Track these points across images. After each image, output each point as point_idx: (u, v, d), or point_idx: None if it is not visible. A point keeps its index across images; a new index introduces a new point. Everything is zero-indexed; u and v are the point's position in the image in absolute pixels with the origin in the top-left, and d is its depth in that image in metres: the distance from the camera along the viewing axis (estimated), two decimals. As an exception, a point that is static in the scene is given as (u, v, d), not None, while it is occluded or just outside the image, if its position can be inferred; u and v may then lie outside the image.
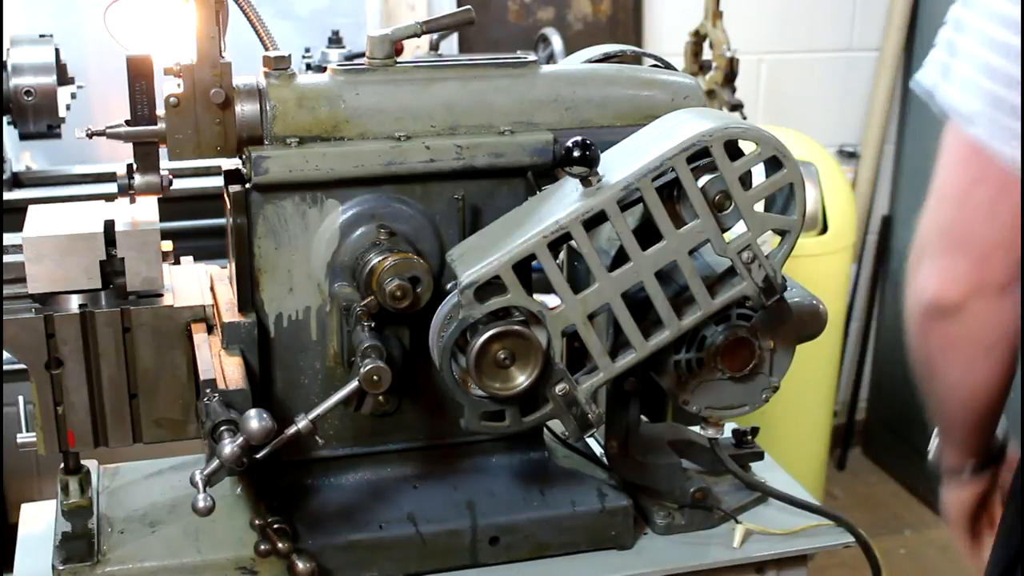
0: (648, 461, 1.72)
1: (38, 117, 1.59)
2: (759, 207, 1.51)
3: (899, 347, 2.89)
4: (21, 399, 1.72)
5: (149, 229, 1.57)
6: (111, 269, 1.56)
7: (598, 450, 1.81)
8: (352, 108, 1.57)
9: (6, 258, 1.56)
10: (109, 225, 1.56)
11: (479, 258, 1.47)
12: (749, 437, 1.84)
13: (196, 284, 1.67)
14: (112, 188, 1.58)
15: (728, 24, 3.44)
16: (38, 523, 1.73)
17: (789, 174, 1.49)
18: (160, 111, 1.54)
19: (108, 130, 1.54)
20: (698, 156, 1.47)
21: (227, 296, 1.64)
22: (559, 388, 1.50)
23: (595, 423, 1.52)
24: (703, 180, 1.48)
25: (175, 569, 1.56)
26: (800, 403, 3.52)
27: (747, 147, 1.50)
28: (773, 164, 1.49)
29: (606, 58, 1.80)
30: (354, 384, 1.45)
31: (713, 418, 1.70)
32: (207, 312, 1.60)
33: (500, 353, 1.45)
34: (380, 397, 1.50)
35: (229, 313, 1.59)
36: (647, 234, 1.49)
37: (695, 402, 1.61)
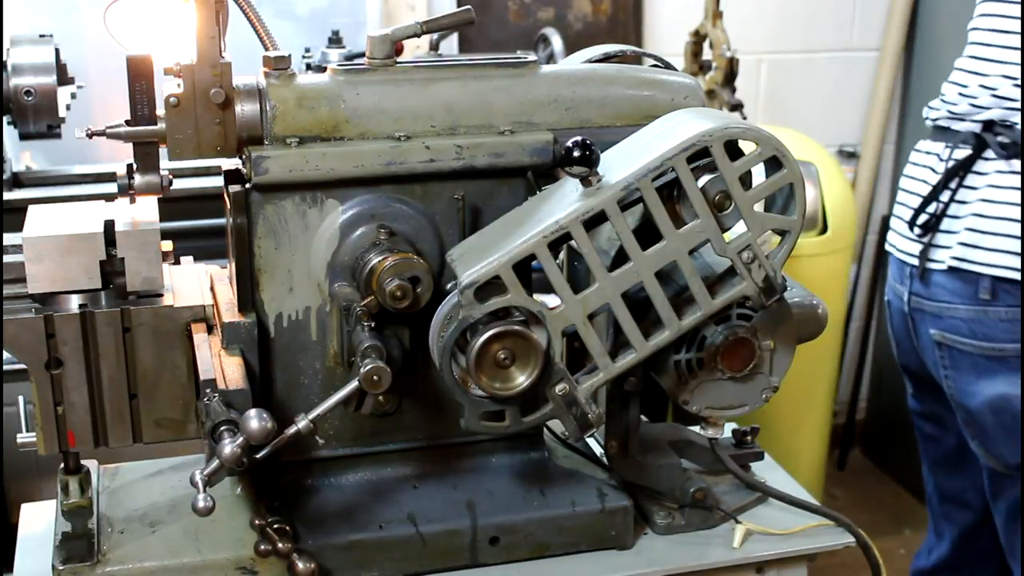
0: (648, 461, 1.72)
1: (38, 117, 1.59)
2: (759, 207, 1.51)
3: (899, 347, 2.92)
4: (21, 399, 1.72)
5: (149, 229, 1.57)
6: (111, 269, 1.56)
7: (598, 450, 1.81)
8: (352, 108, 1.57)
9: (6, 258, 1.56)
10: (109, 225, 1.56)
11: (479, 258, 1.47)
12: (749, 437, 1.84)
13: (196, 284, 1.67)
14: (112, 188, 1.58)
15: (728, 24, 3.44)
16: (38, 523, 1.73)
17: (789, 174, 1.49)
18: (160, 111, 1.54)
19: (108, 130, 1.54)
20: (698, 156, 1.47)
21: (227, 296, 1.64)
22: (559, 388, 1.50)
23: (595, 423, 1.53)
24: (703, 180, 1.48)
25: (175, 569, 1.56)
26: (800, 403, 3.52)
27: (747, 147, 1.50)
28: (773, 164, 1.50)
29: (606, 58, 1.80)
30: (354, 384, 1.45)
31: (713, 418, 1.70)
32: (207, 312, 1.60)
33: (500, 353, 1.45)
34: (380, 397, 1.50)
35: (229, 313, 1.59)
36: (647, 234, 1.49)
37: (695, 402, 1.61)
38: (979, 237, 2.46)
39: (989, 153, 2.47)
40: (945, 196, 2.52)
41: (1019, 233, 2.41)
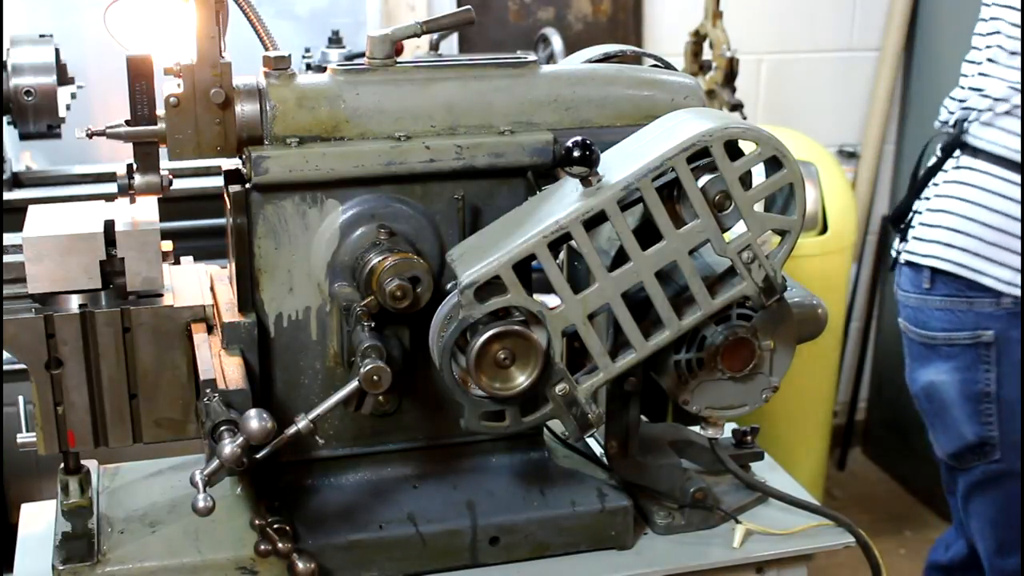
0: (648, 461, 1.72)
1: (38, 117, 1.59)
2: (759, 207, 1.51)
3: (899, 347, 2.92)
4: (21, 399, 1.72)
5: (149, 229, 1.57)
6: (111, 269, 1.56)
7: (598, 450, 1.81)
8: (352, 108, 1.57)
9: (6, 258, 1.56)
10: (109, 225, 1.56)
11: (479, 258, 1.47)
12: (749, 437, 1.84)
13: (196, 284, 1.67)
14: (112, 188, 1.58)
15: (728, 24, 3.44)
16: (38, 523, 1.73)
17: (789, 174, 1.49)
18: (160, 111, 1.54)
19: (108, 130, 1.54)
20: (698, 156, 1.47)
21: (227, 296, 1.64)
22: (559, 388, 1.50)
23: (595, 423, 1.53)
24: (703, 180, 1.48)
25: (175, 569, 1.56)
26: (800, 403, 3.52)
27: (747, 147, 1.50)
28: (773, 164, 1.50)
29: (606, 58, 1.80)
30: (354, 384, 1.45)
31: (713, 418, 1.70)
32: (207, 312, 1.60)
33: (500, 353, 1.45)
34: (380, 397, 1.50)
35: (229, 313, 1.59)
36: (647, 234, 1.49)
37: (695, 402, 1.61)
38: (924, 231, 2.61)
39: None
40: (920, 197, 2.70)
41: (957, 227, 2.54)
